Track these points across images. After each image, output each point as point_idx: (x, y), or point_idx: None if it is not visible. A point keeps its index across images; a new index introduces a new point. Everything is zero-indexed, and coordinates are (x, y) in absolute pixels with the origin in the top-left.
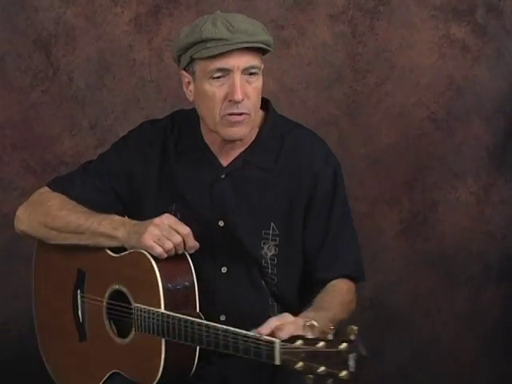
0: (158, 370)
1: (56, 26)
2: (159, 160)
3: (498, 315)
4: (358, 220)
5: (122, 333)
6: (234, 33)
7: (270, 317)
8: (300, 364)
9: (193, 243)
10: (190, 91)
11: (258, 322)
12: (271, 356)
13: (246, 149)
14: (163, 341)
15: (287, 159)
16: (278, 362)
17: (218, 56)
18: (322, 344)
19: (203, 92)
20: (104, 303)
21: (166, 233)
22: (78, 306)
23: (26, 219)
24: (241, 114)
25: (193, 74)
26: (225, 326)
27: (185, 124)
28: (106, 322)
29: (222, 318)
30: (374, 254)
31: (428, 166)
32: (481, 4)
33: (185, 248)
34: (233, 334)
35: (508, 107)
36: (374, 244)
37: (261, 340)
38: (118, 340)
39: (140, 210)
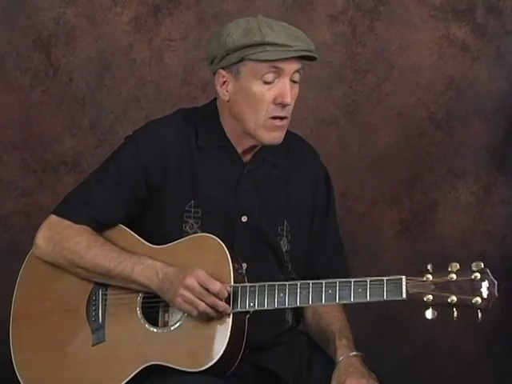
0: (222, 348)
1: (56, 26)
2: (178, 157)
3: (498, 315)
4: (358, 220)
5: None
6: (294, 40)
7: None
8: (429, 296)
9: (223, 306)
10: (225, 91)
11: (277, 317)
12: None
13: (263, 147)
14: (231, 316)
15: (294, 159)
16: (404, 296)
17: (274, 60)
18: (453, 275)
19: (250, 93)
20: (139, 298)
21: (197, 294)
22: (98, 306)
23: (51, 253)
24: (283, 117)
25: (237, 73)
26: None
27: (201, 121)
28: (140, 316)
29: None
30: (374, 254)
31: (428, 166)
32: (481, 4)
33: (216, 310)
34: (355, 282)
35: (508, 107)
36: (374, 244)
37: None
38: (158, 330)
39: (159, 208)
